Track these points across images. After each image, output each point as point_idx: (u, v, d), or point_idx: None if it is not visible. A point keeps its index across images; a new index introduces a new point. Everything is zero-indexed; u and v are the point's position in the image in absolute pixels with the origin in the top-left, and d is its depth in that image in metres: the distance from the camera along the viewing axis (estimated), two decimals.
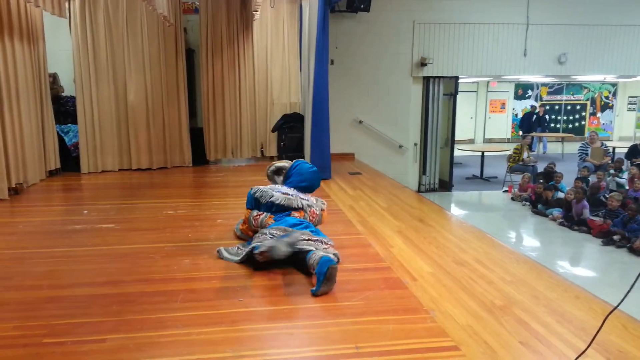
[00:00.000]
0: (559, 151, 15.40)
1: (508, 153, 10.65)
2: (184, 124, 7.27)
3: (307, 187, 3.66)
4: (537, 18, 9.20)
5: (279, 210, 3.40)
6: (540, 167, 9.95)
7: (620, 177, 9.00)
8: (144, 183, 6.34)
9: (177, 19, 6.95)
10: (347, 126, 8.77)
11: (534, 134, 15.18)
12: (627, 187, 8.47)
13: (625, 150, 11.14)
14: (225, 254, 3.32)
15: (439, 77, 9.16)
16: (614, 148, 12.37)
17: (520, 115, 17.77)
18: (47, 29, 6.54)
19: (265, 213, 3.41)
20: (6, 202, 5.06)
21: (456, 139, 9.81)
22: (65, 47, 7.05)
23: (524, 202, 8.70)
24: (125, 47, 6.88)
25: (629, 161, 10.44)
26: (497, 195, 9.70)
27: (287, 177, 3.75)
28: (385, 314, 2.47)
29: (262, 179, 4.18)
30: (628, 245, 6.22)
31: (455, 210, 8.45)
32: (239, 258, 3.20)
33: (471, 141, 17.87)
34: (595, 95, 18.52)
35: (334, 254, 3.02)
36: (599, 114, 18.67)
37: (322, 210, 3.59)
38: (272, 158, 7.73)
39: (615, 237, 6.43)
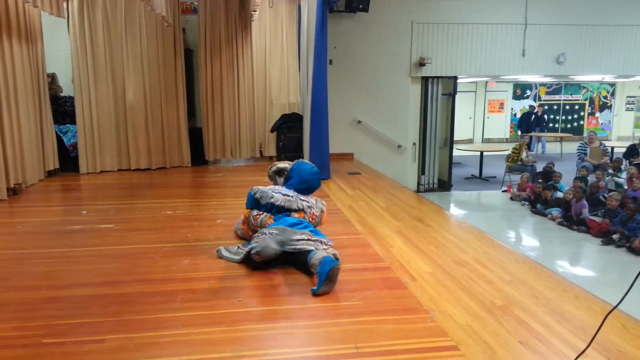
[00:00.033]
0: (558, 151, 15.43)
1: (507, 153, 10.66)
2: (183, 124, 7.27)
3: (308, 189, 3.66)
4: (535, 18, 9.21)
5: (279, 210, 3.40)
6: (539, 167, 9.96)
7: (619, 177, 9.01)
8: (143, 183, 6.33)
9: (175, 19, 6.94)
10: (346, 126, 8.77)
11: (532, 133, 15.21)
12: (625, 187, 8.48)
13: (624, 149, 11.16)
14: (225, 253, 3.33)
15: (438, 77, 9.16)
16: (612, 148, 12.41)
17: (518, 115, 17.78)
18: (45, 29, 6.53)
19: (265, 213, 3.42)
20: (5, 203, 5.05)
21: (455, 138, 9.82)
22: (63, 47, 7.04)
23: (522, 201, 8.70)
24: (124, 47, 6.87)
25: (627, 161, 10.46)
26: (496, 195, 9.71)
27: (287, 178, 3.74)
28: (385, 314, 2.47)
29: (261, 179, 4.18)
30: (627, 244, 6.23)
31: (454, 210, 8.45)
32: (239, 257, 3.20)
33: (470, 141, 17.89)
34: (594, 95, 18.55)
35: (334, 254, 3.01)
36: (597, 114, 18.70)
37: (322, 211, 3.59)
38: (271, 158, 7.73)
39: (615, 237, 6.44)
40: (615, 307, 1.86)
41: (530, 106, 17.35)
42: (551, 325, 2.36)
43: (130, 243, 3.67)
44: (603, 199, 7.58)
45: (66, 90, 7.23)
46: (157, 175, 6.82)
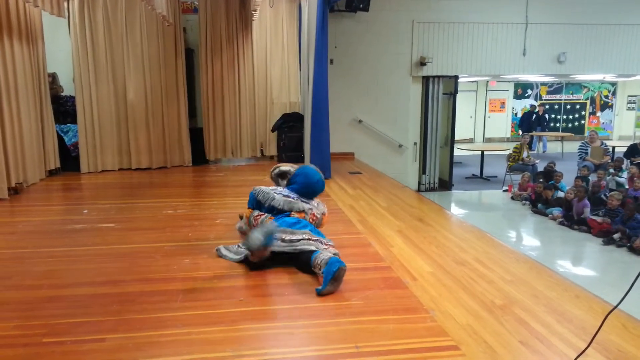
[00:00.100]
0: (559, 150, 15.41)
1: (508, 152, 10.66)
2: (184, 123, 7.27)
3: (311, 194, 3.64)
4: (536, 17, 9.20)
5: (280, 211, 3.40)
6: (540, 167, 9.95)
7: (620, 176, 9.00)
8: (144, 182, 6.34)
9: (176, 18, 6.95)
10: (346, 126, 8.77)
11: (533, 133, 15.19)
12: (626, 186, 8.47)
13: (625, 149, 11.14)
14: (225, 252, 3.33)
15: (439, 77, 9.16)
16: (613, 147, 12.38)
17: (519, 115, 17.78)
18: (46, 29, 6.54)
19: (265, 214, 3.41)
20: (6, 202, 5.06)
21: (456, 138, 9.81)
22: (64, 46, 7.04)
23: (523, 201, 8.70)
24: (125, 47, 6.87)
25: (628, 160, 10.44)
26: (497, 194, 9.71)
27: (290, 182, 3.71)
28: (385, 314, 2.47)
29: (262, 178, 4.18)
30: (628, 244, 6.23)
31: (455, 210, 8.45)
32: (238, 257, 3.20)
33: (471, 140, 17.88)
34: (595, 95, 18.53)
35: (334, 254, 3.01)
36: (598, 113, 18.68)
37: (323, 214, 3.57)
38: (271, 158, 7.73)
39: (616, 236, 6.43)
40: (616, 306, 1.86)
41: (531, 105, 17.35)
42: (552, 325, 2.36)
43: (131, 242, 3.67)
44: (604, 198, 7.58)
45: (67, 89, 7.24)
46: (158, 174, 6.83)
